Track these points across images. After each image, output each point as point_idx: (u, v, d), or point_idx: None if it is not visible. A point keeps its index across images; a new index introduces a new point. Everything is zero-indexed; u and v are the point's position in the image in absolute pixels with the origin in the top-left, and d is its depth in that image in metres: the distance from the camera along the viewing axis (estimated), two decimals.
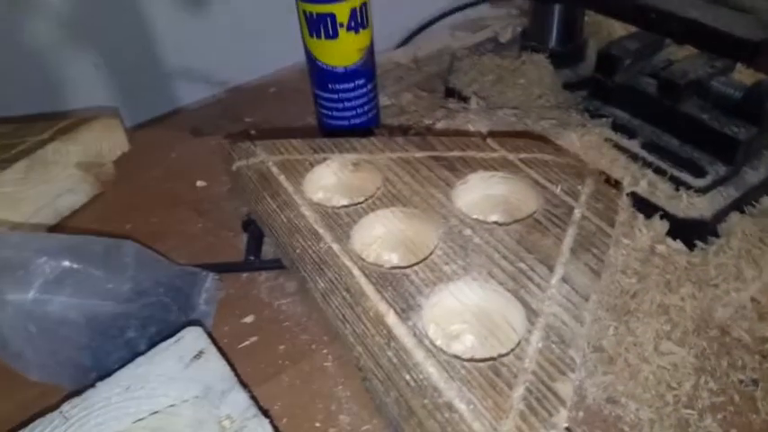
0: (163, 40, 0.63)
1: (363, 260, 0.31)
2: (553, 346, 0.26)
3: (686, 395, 0.35)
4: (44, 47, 0.57)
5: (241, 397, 0.31)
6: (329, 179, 0.38)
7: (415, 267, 0.30)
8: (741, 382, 0.36)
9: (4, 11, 0.54)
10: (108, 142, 0.54)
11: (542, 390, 0.25)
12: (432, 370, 0.25)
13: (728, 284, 0.40)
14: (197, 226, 0.49)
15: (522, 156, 0.36)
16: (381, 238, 0.34)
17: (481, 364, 0.25)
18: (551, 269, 0.29)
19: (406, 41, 0.74)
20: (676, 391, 0.35)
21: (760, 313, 0.40)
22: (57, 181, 0.49)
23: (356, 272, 0.30)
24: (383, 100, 0.60)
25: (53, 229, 0.49)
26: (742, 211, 0.45)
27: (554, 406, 0.24)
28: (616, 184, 0.44)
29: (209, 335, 0.35)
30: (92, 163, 0.52)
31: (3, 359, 0.37)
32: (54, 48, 0.58)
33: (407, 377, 0.25)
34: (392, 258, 0.33)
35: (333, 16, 0.47)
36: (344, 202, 0.36)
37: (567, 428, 0.25)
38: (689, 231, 0.43)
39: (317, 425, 0.35)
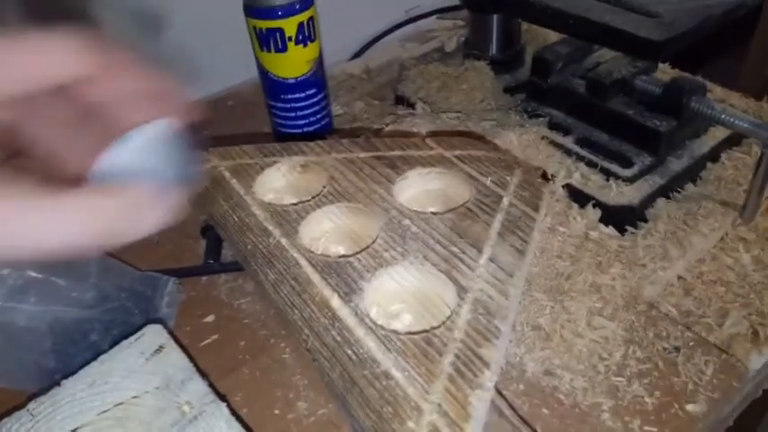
0: None
1: (311, 252, 0.33)
2: (480, 317, 0.29)
3: (616, 364, 0.38)
4: None
5: (199, 385, 0.33)
6: (279, 181, 0.40)
7: (358, 255, 0.33)
8: (665, 349, 0.39)
9: None
10: None
11: (469, 355, 0.27)
12: (371, 344, 0.28)
13: (656, 264, 0.44)
14: (157, 234, 0.51)
15: (457, 153, 0.39)
16: (329, 232, 0.36)
17: (415, 337, 0.28)
18: (480, 251, 0.32)
19: (358, 54, 0.77)
20: (607, 361, 0.38)
21: (685, 289, 0.43)
22: None
23: (303, 262, 0.33)
24: (336, 109, 0.63)
25: None
26: (667, 197, 0.49)
27: (479, 368, 0.27)
28: (551, 178, 0.47)
29: (169, 330, 0.36)
30: None
31: None
32: None
33: (349, 352, 0.28)
34: (339, 250, 0.35)
35: (281, 31, 0.50)
36: (294, 201, 0.38)
37: (497, 390, 0.27)
38: (619, 217, 0.46)
39: (277, 412, 0.37)
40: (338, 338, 0.29)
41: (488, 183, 0.37)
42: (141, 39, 0.65)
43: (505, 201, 0.35)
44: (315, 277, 0.32)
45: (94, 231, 0.20)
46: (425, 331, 0.28)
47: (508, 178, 0.37)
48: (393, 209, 0.36)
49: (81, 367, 0.36)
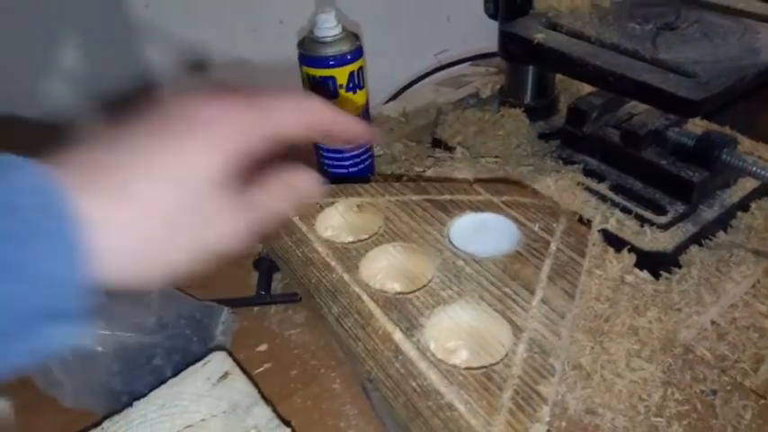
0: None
1: (371, 287, 0.36)
2: (536, 356, 0.31)
3: (655, 405, 0.40)
4: (58, 105, 0.62)
5: (265, 411, 0.35)
6: (336, 219, 0.43)
7: (417, 293, 0.35)
8: (702, 392, 0.40)
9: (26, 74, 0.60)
10: None
11: (528, 391, 0.29)
12: (434, 377, 0.30)
13: (690, 309, 0.46)
14: (211, 265, 0.53)
15: (505, 198, 0.42)
16: (385, 269, 0.39)
17: (476, 372, 0.30)
18: (532, 293, 0.34)
19: (394, 97, 0.81)
20: (647, 402, 0.40)
21: (719, 334, 0.45)
22: None
23: (365, 297, 0.35)
24: (376, 150, 0.66)
25: None
26: (700, 244, 0.51)
27: (538, 404, 0.29)
28: (588, 223, 0.50)
29: (234, 358, 0.39)
30: None
31: (43, 387, 0.40)
32: (66, 106, 0.63)
33: (413, 384, 0.30)
34: (395, 287, 0.38)
35: (333, 79, 0.54)
36: (350, 239, 0.41)
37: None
38: (654, 262, 0.48)
39: None
40: (402, 371, 0.31)
41: (536, 228, 0.39)
42: (187, 77, 0.69)
43: (553, 246, 0.38)
44: (377, 312, 0.34)
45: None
46: (485, 367, 0.30)
47: (554, 225, 0.39)
48: (446, 250, 0.38)
49: (146, 390, 0.38)
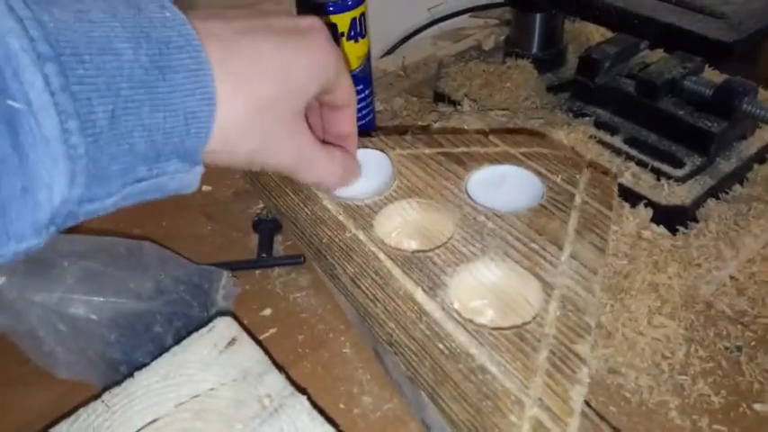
0: None
1: (388, 245, 0.33)
2: (569, 313, 0.29)
3: (679, 363, 0.38)
4: None
5: (277, 378, 0.33)
6: None
7: (437, 251, 0.33)
8: (727, 349, 0.39)
9: None
10: None
11: (564, 351, 0.27)
12: (462, 338, 0.28)
13: (710, 264, 0.44)
14: (206, 228, 0.51)
15: (523, 150, 0.39)
16: (400, 227, 0.36)
17: (507, 332, 0.28)
18: (560, 248, 0.32)
19: (391, 51, 0.77)
20: (670, 360, 0.38)
21: (739, 289, 0.43)
22: None
23: (382, 256, 0.33)
24: (376, 105, 0.63)
25: (68, 232, 0.50)
26: (717, 198, 0.49)
27: (576, 365, 0.27)
28: (607, 174, 0.48)
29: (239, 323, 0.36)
30: None
31: (34, 358, 0.38)
32: None
33: (441, 346, 0.28)
34: (411, 245, 0.35)
35: (334, 26, 0.50)
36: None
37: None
38: (671, 217, 0.46)
39: (342, 406, 0.37)
40: (427, 332, 0.29)
41: (558, 180, 0.37)
42: None
43: (578, 198, 0.36)
44: (396, 271, 0.32)
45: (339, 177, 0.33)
46: (516, 327, 0.28)
47: (577, 176, 0.37)
48: (465, 205, 0.36)
49: (147, 360, 0.35)
